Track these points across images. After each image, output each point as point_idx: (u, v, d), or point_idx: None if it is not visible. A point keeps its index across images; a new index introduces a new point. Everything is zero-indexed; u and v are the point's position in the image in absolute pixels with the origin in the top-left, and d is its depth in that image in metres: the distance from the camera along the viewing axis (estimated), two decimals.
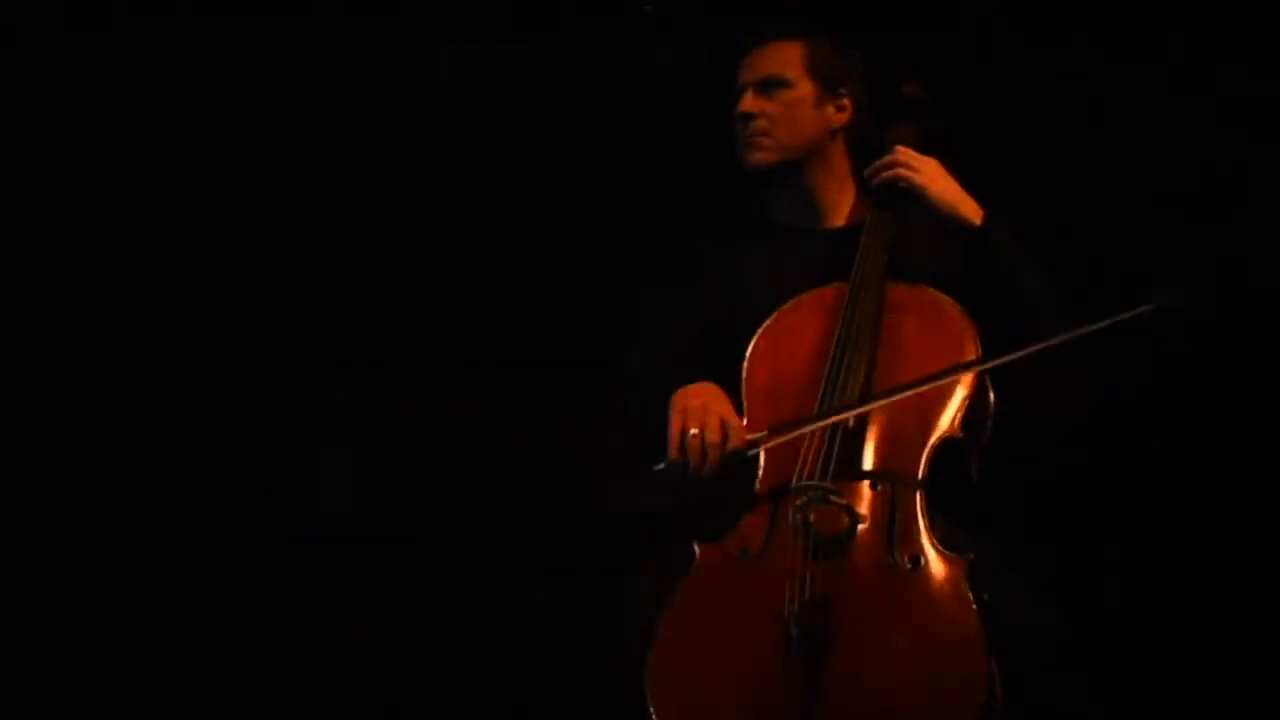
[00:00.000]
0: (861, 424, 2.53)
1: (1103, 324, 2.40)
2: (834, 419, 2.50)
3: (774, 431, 2.51)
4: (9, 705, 3.45)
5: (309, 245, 3.65)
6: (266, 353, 3.61)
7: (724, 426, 2.51)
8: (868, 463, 2.51)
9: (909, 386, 2.49)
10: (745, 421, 2.56)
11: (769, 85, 2.83)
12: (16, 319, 3.55)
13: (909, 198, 2.72)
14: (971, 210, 2.69)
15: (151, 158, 3.59)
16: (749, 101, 2.84)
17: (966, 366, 2.54)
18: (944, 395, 2.54)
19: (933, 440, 2.51)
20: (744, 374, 2.64)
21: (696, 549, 2.50)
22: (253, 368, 3.59)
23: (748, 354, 2.66)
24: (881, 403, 2.51)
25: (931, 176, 2.71)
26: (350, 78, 3.64)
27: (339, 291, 3.67)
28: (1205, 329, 3.15)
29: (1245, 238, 3.29)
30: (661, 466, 2.53)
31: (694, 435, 2.49)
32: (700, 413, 2.52)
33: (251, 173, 3.63)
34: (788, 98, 2.83)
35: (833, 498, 2.42)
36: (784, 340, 2.65)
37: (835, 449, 2.48)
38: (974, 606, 2.34)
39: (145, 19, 3.57)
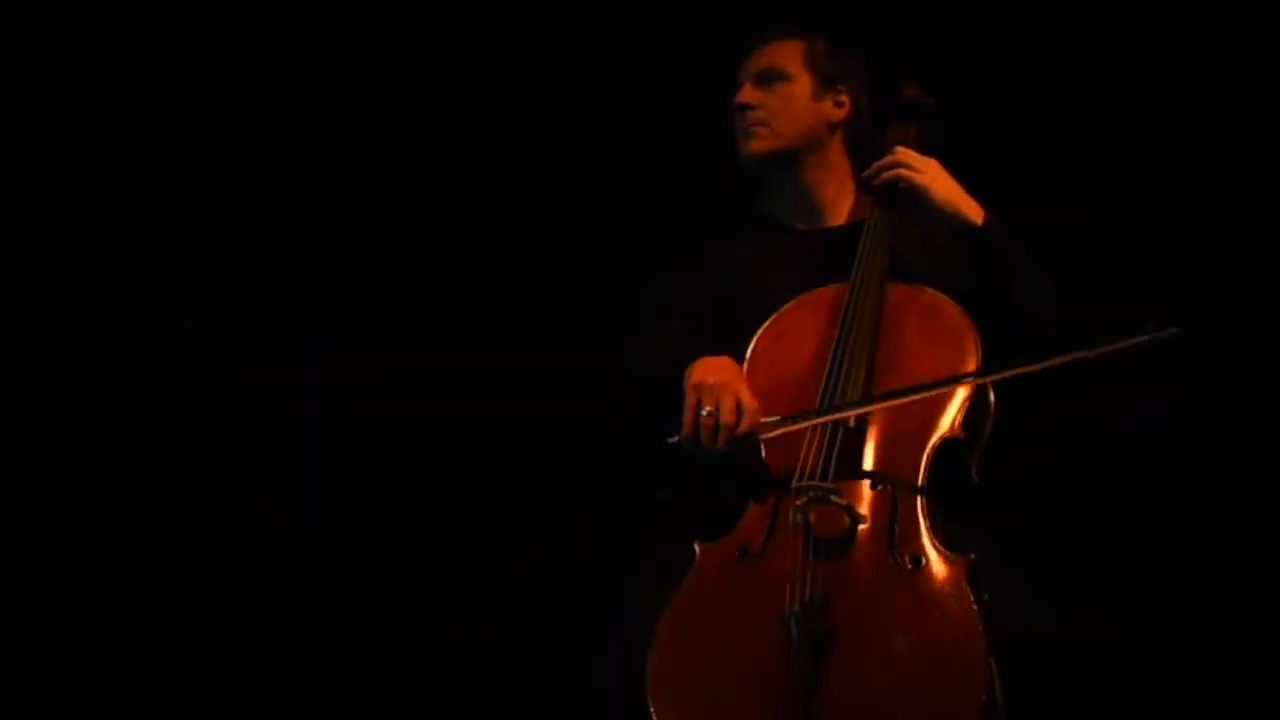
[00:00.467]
0: (862, 424, 2.53)
1: (1118, 345, 2.39)
2: (856, 412, 2.50)
3: (788, 419, 2.51)
4: (10, 705, 3.45)
5: (310, 245, 3.66)
6: (266, 352, 3.61)
7: (739, 407, 2.50)
8: (868, 463, 2.51)
9: (927, 388, 2.50)
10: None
11: (767, 77, 2.87)
12: (17, 320, 3.55)
13: (910, 198, 2.73)
14: (973, 210, 2.69)
15: (151, 158, 3.59)
16: (747, 92, 2.87)
17: (975, 375, 2.54)
18: (945, 396, 2.53)
19: (933, 441, 2.51)
20: (744, 374, 2.63)
21: (697, 549, 2.50)
22: (253, 367, 3.60)
23: (748, 354, 2.66)
24: (905, 399, 2.50)
25: (932, 177, 2.71)
26: (349, 77, 3.64)
27: (339, 291, 3.67)
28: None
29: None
30: (674, 440, 2.53)
31: (708, 414, 2.49)
32: (715, 391, 2.51)
33: (253, 173, 3.63)
34: (785, 90, 2.86)
35: (833, 498, 2.42)
36: (784, 340, 2.65)
37: (836, 449, 2.48)
38: (975, 606, 2.34)
39: (145, 17, 3.57)
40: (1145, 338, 2.36)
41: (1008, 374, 2.49)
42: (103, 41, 3.57)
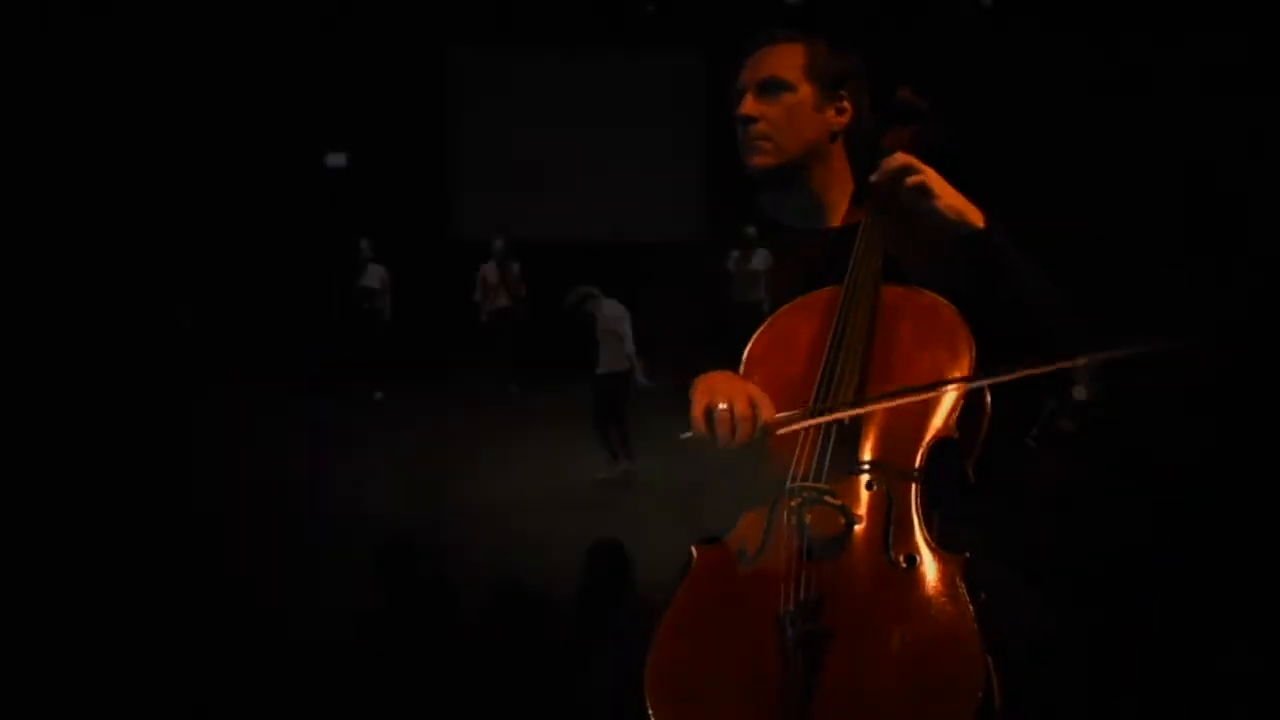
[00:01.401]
0: (857, 424, 2.53)
1: (1113, 354, 2.38)
2: (867, 409, 2.49)
3: (804, 414, 2.50)
4: (9, 705, 3.46)
5: (309, 245, 3.67)
6: (265, 355, 3.63)
7: (752, 402, 2.51)
8: (864, 463, 2.51)
9: (924, 389, 2.49)
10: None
11: (770, 88, 2.82)
12: (18, 320, 3.56)
13: (911, 203, 2.70)
14: (974, 215, 2.67)
15: (151, 160, 3.61)
16: (750, 104, 2.82)
17: (969, 380, 2.53)
18: (939, 396, 2.53)
19: (928, 440, 2.51)
20: (740, 374, 2.63)
21: (694, 552, 2.50)
22: (252, 369, 3.61)
23: (745, 356, 2.66)
24: (905, 400, 2.49)
25: (936, 183, 2.70)
26: (350, 77, 3.65)
27: (339, 294, 3.68)
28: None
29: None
30: (687, 436, 2.52)
31: (724, 409, 2.49)
32: (727, 390, 2.52)
33: (253, 173, 3.64)
34: (788, 101, 2.81)
35: (828, 498, 2.42)
36: (781, 342, 2.65)
37: (830, 450, 2.48)
38: (970, 605, 2.33)
39: (144, 16, 3.58)
40: (1136, 349, 2.36)
41: (1000, 379, 2.49)
42: (104, 44, 3.58)
